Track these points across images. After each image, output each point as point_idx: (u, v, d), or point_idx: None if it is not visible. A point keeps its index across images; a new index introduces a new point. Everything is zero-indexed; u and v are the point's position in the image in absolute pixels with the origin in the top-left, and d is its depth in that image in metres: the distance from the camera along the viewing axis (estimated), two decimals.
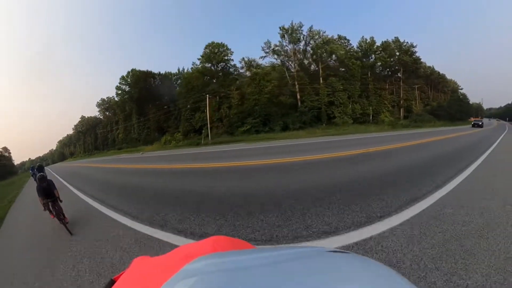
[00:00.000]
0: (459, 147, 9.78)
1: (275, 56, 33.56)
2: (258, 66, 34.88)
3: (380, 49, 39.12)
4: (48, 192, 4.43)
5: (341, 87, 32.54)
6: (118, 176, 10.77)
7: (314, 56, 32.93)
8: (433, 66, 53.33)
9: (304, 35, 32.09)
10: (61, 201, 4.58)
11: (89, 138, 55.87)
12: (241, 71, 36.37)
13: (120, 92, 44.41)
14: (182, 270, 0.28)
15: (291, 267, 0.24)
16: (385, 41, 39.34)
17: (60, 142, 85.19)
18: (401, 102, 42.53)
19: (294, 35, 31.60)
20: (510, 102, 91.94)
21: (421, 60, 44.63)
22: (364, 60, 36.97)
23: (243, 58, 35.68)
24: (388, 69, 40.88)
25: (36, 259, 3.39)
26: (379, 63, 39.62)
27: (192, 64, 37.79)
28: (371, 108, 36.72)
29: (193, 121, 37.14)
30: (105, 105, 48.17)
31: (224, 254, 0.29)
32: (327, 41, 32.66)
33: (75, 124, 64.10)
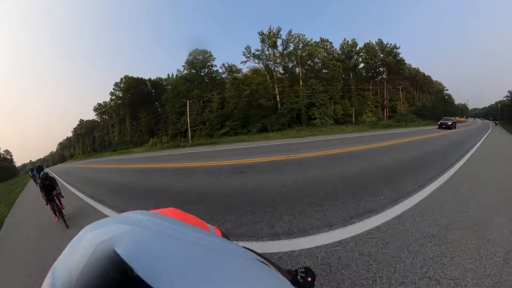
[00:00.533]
0: (431, 150, 8.06)
1: (256, 61, 31.81)
2: (238, 70, 34.52)
3: (363, 50, 37.97)
4: (50, 188, 4.54)
5: (322, 89, 30.72)
6: (95, 173, 12.57)
7: (293, 59, 31.09)
8: (418, 67, 51.75)
9: (283, 39, 30.24)
10: (62, 196, 4.76)
11: (87, 140, 55.56)
12: (223, 76, 36.25)
13: (114, 97, 43.63)
14: (120, 216, 0.26)
15: (224, 259, 0.23)
16: (367, 43, 38.03)
17: (60, 144, 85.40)
18: (385, 102, 40.66)
19: (273, 39, 29.72)
20: (493, 103, 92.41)
21: (405, 62, 42.91)
22: (346, 61, 35.79)
23: (223, 64, 35.16)
24: (372, 70, 39.51)
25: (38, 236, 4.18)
26: (362, 65, 38.52)
27: (177, 71, 37.92)
28: (353, 108, 35.33)
29: (179, 124, 37.28)
30: (102, 109, 47.53)
31: (169, 220, 0.27)
32: (306, 44, 30.76)
33: (74, 127, 63.40)
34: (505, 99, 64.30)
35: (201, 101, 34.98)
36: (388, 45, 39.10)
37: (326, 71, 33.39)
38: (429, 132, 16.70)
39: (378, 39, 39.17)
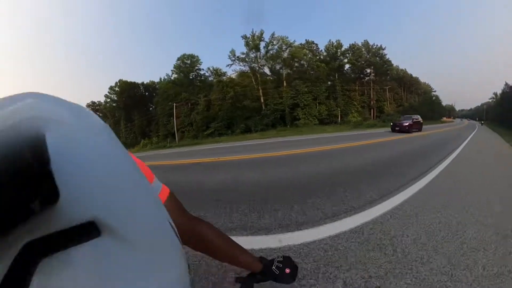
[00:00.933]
0: (403, 150, 7.11)
1: (242, 63, 31.15)
2: (223, 74, 34.72)
3: (349, 51, 37.30)
4: None
5: (306, 89, 29.61)
6: None
7: (278, 61, 30.07)
8: (405, 68, 51.18)
9: (266, 41, 29.36)
10: None
11: None
12: (210, 79, 36.18)
13: (109, 100, 42.96)
14: (69, 103, 0.20)
15: (136, 196, 0.20)
16: (352, 44, 37.33)
17: None
18: (372, 103, 39.63)
19: (255, 42, 29.04)
20: (479, 105, 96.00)
21: (392, 63, 42.45)
22: (332, 62, 35.24)
23: (209, 68, 35.31)
24: (358, 71, 38.55)
25: None
26: (348, 65, 37.75)
27: (166, 75, 38.12)
28: (339, 109, 34.49)
29: (169, 126, 37.13)
30: (95, 107, 46.59)
31: (113, 137, 0.22)
32: (289, 46, 29.78)
33: None
34: (490, 100, 65.98)
35: (189, 104, 34.96)
36: (374, 46, 38.34)
37: (312, 72, 32.20)
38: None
39: (364, 40, 38.47)
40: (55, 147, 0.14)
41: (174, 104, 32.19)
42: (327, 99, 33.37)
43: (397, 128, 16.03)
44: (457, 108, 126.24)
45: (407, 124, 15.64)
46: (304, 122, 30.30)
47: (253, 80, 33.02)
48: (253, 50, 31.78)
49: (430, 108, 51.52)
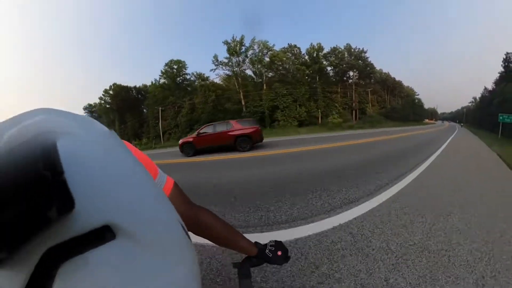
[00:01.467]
0: (376, 155, 6.08)
1: (225, 68, 30.67)
2: (206, 78, 34.65)
3: (330, 54, 36.76)
4: None
5: (285, 92, 28.51)
6: None
7: (259, 66, 29.26)
8: (388, 72, 49.81)
9: (246, 46, 28.59)
10: None
11: None
12: (196, 83, 36.13)
13: (103, 102, 42.20)
14: (80, 116, 0.22)
15: (146, 199, 0.21)
16: (334, 47, 36.90)
17: None
18: (354, 104, 38.69)
19: (235, 48, 31.16)
20: (459, 108, 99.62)
21: (375, 66, 41.89)
22: (313, 65, 34.61)
23: (193, 73, 35.59)
24: (340, 73, 38.03)
25: None
26: (329, 68, 37.27)
27: (155, 80, 38.14)
28: (319, 110, 33.72)
29: (158, 128, 37.06)
30: (92, 109, 45.92)
31: (119, 141, 0.23)
32: (269, 50, 28.89)
33: None
34: (470, 104, 66.61)
35: (176, 107, 34.99)
36: (357, 49, 37.85)
37: (291, 75, 31.20)
38: (385, 134, 14.48)
39: (347, 44, 37.99)
40: (67, 158, 0.15)
41: (160, 108, 32.73)
42: (308, 101, 32.38)
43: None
44: (439, 111, 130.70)
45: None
46: (283, 123, 29.30)
47: (235, 83, 32.16)
48: (235, 55, 30.86)
49: (412, 110, 50.00)
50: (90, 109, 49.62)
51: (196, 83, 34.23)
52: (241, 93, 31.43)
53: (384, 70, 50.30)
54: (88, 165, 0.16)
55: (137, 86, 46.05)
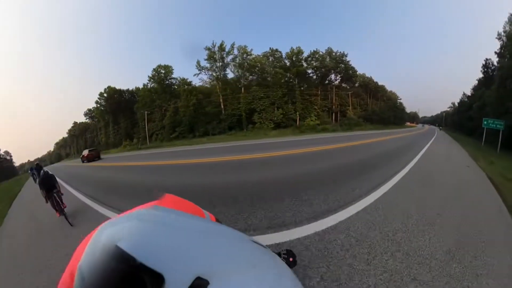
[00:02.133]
0: (343, 165, 5.15)
1: (208, 72, 32.77)
2: (189, 83, 34.17)
3: (310, 58, 35.47)
4: (49, 185, 3.92)
5: (262, 95, 27.25)
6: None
7: (238, 70, 28.20)
8: (371, 76, 48.60)
9: (225, 52, 27.68)
10: (62, 194, 4.07)
11: (80, 141, 54.29)
12: (180, 88, 35.19)
13: (98, 105, 41.87)
14: (127, 214, 0.26)
15: (216, 241, 0.23)
16: (315, 50, 35.62)
17: (57, 144, 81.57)
18: (333, 107, 37.51)
19: (213, 55, 30.72)
20: (439, 112, 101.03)
21: (356, 70, 40.06)
22: (291, 68, 33.26)
23: (177, 78, 35.04)
24: (321, 76, 36.81)
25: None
26: (310, 71, 35.97)
27: (143, 84, 37.94)
28: (297, 113, 32.47)
29: (143, 130, 36.80)
30: (91, 114, 45.81)
31: (166, 210, 0.26)
32: (248, 54, 27.82)
33: (69, 128, 61.82)
34: (449, 109, 68.80)
35: (162, 110, 35.15)
36: (338, 53, 36.78)
37: (269, 78, 30.14)
38: (358, 139, 13.33)
39: (328, 47, 36.88)
40: (131, 247, 0.18)
41: (146, 112, 33.16)
42: (286, 103, 31.42)
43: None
44: (421, 115, 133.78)
45: (87, 155, 17.58)
46: (259, 126, 28.14)
47: (217, 88, 31.15)
48: (218, 60, 29.85)
49: (393, 113, 48.30)
50: (90, 114, 49.31)
51: (179, 87, 33.20)
52: (221, 97, 30.42)
53: (364, 72, 48.93)
54: (148, 241, 0.19)
55: (130, 89, 45.55)
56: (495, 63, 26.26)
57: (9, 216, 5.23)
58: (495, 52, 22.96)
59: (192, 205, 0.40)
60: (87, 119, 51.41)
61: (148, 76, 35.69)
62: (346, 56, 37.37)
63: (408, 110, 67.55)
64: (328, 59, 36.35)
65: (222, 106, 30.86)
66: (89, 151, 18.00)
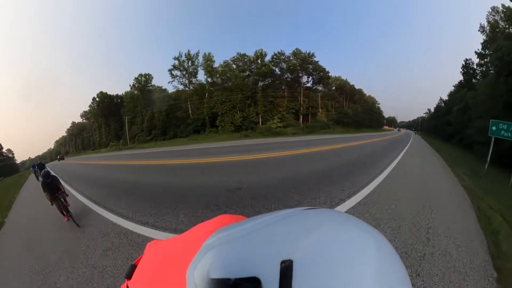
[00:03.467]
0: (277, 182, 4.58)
1: (178, 80, 36.74)
2: (163, 90, 39.95)
3: (273, 59, 37.97)
4: (53, 187, 3.94)
5: (224, 99, 30.99)
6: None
7: (200, 77, 32.99)
8: (346, 79, 51.37)
9: (191, 60, 32.20)
10: (67, 195, 4.18)
11: (78, 139, 60.65)
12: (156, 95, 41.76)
13: (91, 109, 48.15)
14: (203, 246, 0.27)
15: (280, 226, 0.25)
16: (279, 51, 38.53)
17: (57, 142, 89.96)
18: (301, 109, 39.34)
19: (182, 64, 36.19)
20: (416, 118, 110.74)
21: (327, 71, 41.71)
22: (253, 71, 36.83)
23: (152, 86, 41.12)
24: (291, 78, 39.09)
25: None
26: (279, 72, 38.81)
27: (126, 92, 44.42)
28: (259, 115, 35.95)
29: (130, 132, 44.20)
30: (87, 115, 52.37)
31: (228, 227, 0.29)
32: (211, 61, 32.22)
33: (68, 128, 68.66)
34: (424, 115, 75.15)
35: (143, 114, 41.80)
36: (305, 53, 38.84)
37: (230, 83, 34.27)
38: (305, 145, 12.00)
39: (296, 48, 39.38)
40: (222, 273, 0.21)
41: (127, 117, 41.11)
42: (248, 106, 35.64)
43: None
44: (399, 120, 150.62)
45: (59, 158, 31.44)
46: (221, 129, 32.10)
47: (187, 93, 35.81)
48: (185, 69, 34.48)
49: (369, 116, 49.23)
50: (86, 116, 55.90)
51: (155, 95, 38.27)
52: (188, 103, 34.94)
53: (339, 74, 51.10)
54: (230, 258, 0.22)
55: (119, 94, 51.60)
56: (475, 65, 26.15)
57: (20, 194, 8.73)
58: (475, 52, 23.10)
59: (241, 217, 0.44)
60: (84, 120, 58.17)
61: (130, 85, 42.31)
62: (313, 56, 38.66)
63: (387, 115, 70.24)
64: (293, 60, 37.67)
65: (190, 111, 36.15)
66: (59, 156, 37.77)
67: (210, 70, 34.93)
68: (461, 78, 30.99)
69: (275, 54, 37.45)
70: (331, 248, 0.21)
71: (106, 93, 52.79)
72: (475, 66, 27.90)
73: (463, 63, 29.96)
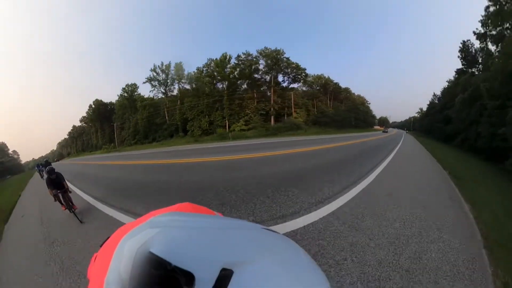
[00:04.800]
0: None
1: (156, 89, 44.82)
2: (145, 99, 45.26)
3: (239, 61, 40.41)
4: (57, 183, 4.28)
5: (192, 105, 35.10)
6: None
7: (178, 84, 37.70)
8: (328, 76, 51.45)
9: (163, 70, 36.82)
10: (70, 192, 4.50)
11: (79, 142, 67.92)
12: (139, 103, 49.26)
13: (88, 115, 55.57)
14: (148, 221, 0.29)
15: (234, 234, 0.27)
16: (243, 52, 41.07)
17: (59, 143, 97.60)
18: (271, 110, 41.49)
19: (162, 71, 41.87)
20: (407, 118, 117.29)
21: (304, 69, 43.08)
22: (219, 75, 40.01)
23: (138, 95, 47.23)
24: (252, 78, 40.93)
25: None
26: (255, 74, 41.59)
27: (115, 101, 52.95)
28: (225, 119, 39.58)
29: (120, 137, 53.28)
30: (85, 120, 59.94)
31: (186, 215, 0.31)
32: (181, 70, 36.69)
33: (69, 131, 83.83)
34: (416, 115, 77.53)
35: (130, 121, 50.23)
36: (273, 50, 40.28)
37: (196, 87, 38.96)
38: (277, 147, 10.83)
39: (265, 47, 41.34)
40: (163, 252, 0.22)
41: (115, 124, 49.83)
42: (216, 110, 39.60)
43: None
44: (391, 120, 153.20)
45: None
46: (191, 133, 35.80)
47: (166, 101, 41.12)
48: (161, 79, 39.15)
49: (355, 116, 49.19)
50: (84, 120, 63.56)
51: (138, 103, 43.69)
52: (165, 110, 39.48)
53: (322, 73, 51.01)
54: (177, 244, 0.23)
55: (112, 101, 58.27)
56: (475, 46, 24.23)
57: (27, 187, 11.44)
58: (474, 32, 21.85)
59: (205, 208, 0.49)
60: (83, 124, 65.99)
61: (117, 95, 48.78)
62: (282, 53, 39.24)
63: (379, 115, 69.73)
64: (260, 59, 39.17)
65: (167, 117, 41.04)
66: (56, 159, 43.60)
67: (180, 78, 41.42)
68: (454, 75, 29.09)
69: (239, 56, 39.09)
70: (275, 274, 0.23)
71: (101, 100, 64.00)
72: (477, 46, 24.43)
73: (460, 46, 27.45)
